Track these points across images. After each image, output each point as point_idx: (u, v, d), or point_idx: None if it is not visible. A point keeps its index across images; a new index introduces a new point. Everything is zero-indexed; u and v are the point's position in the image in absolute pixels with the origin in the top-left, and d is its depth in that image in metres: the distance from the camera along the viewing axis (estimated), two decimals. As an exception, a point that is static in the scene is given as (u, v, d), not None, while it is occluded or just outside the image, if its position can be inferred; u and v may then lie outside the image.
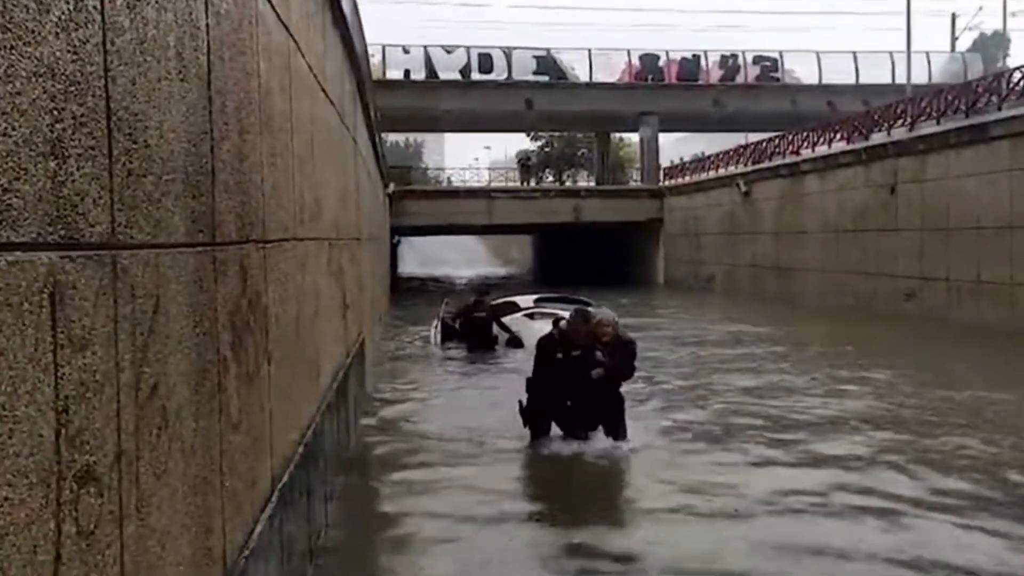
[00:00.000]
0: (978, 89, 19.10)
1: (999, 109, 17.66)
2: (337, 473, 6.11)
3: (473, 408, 9.46)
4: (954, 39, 42.96)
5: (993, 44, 46.99)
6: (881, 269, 20.43)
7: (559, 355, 7.37)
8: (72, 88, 1.60)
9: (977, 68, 38.31)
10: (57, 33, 1.54)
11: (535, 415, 7.44)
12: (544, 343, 7.58)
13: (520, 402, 7.51)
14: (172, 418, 2.18)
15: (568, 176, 49.53)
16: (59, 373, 1.52)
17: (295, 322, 4.32)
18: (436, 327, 15.70)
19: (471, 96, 36.27)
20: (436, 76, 36.27)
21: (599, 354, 7.25)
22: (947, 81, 31.13)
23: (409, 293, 30.80)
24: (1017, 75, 17.96)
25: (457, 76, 36.50)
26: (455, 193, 37.41)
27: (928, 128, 19.72)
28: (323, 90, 5.93)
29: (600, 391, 7.32)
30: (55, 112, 1.53)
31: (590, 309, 7.93)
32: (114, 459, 1.77)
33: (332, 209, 6.40)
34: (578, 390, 7.30)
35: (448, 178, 46.54)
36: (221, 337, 2.72)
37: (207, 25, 2.63)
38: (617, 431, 7.39)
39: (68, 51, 1.59)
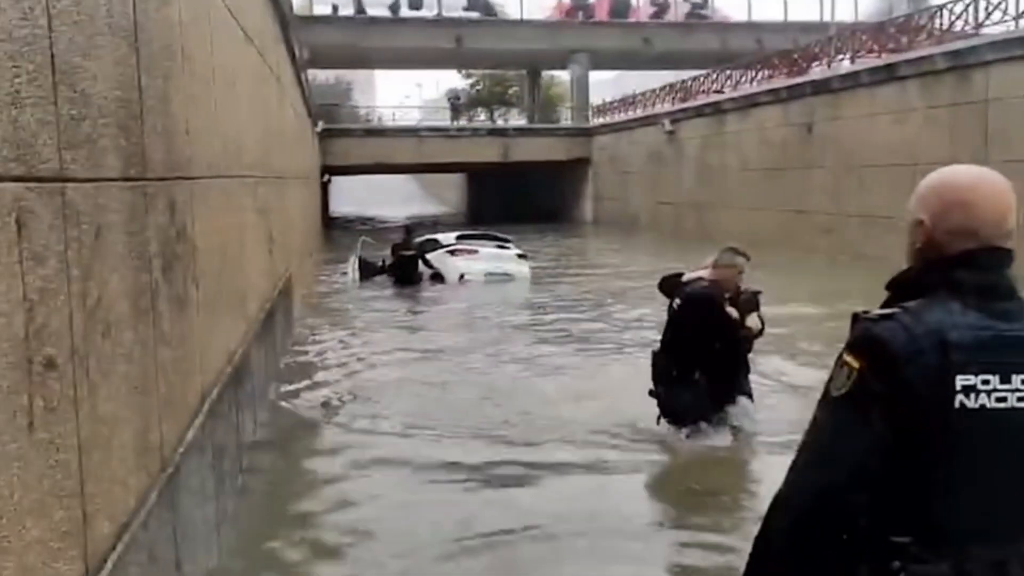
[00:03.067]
0: (890, 30, 19.85)
1: (908, 49, 18.45)
2: (264, 396, 6.52)
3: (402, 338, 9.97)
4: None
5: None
6: (798, 206, 21.30)
7: (727, 311, 5.74)
8: (25, 48, 1.96)
9: (902, 6, 39.23)
10: (12, 3, 1.90)
11: (690, 396, 5.82)
12: (709, 295, 5.68)
13: (654, 391, 5.97)
14: (113, 328, 2.57)
15: (499, 115, 49.56)
16: (25, 280, 1.91)
17: (221, 254, 4.69)
18: (354, 264, 16.11)
19: (401, 33, 35.93)
20: (364, 12, 35.80)
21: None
22: (872, 19, 31.95)
23: (341, 231, 30.92)
24: (925, 17, 18.74)
25: (386, 12, 36.09)
26: (384, 132, 37.26)
27: (843, 68, 20.47)
28: (242, 30, 6.18)
29: (739, 356, 5.98)
30: (13, 69, 1.89)
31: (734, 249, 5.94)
32: (69, 354, 2.17)
33: (255, 148, 6.70)
34: (724, 356, 5.83)
35: (379, 117, 46.15)
36: (153, 263, 3.10)
37: (132, -17, 2.95)
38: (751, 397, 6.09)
39: (20, 17, 1.94)
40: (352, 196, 54.95)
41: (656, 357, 5.95)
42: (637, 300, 13.20)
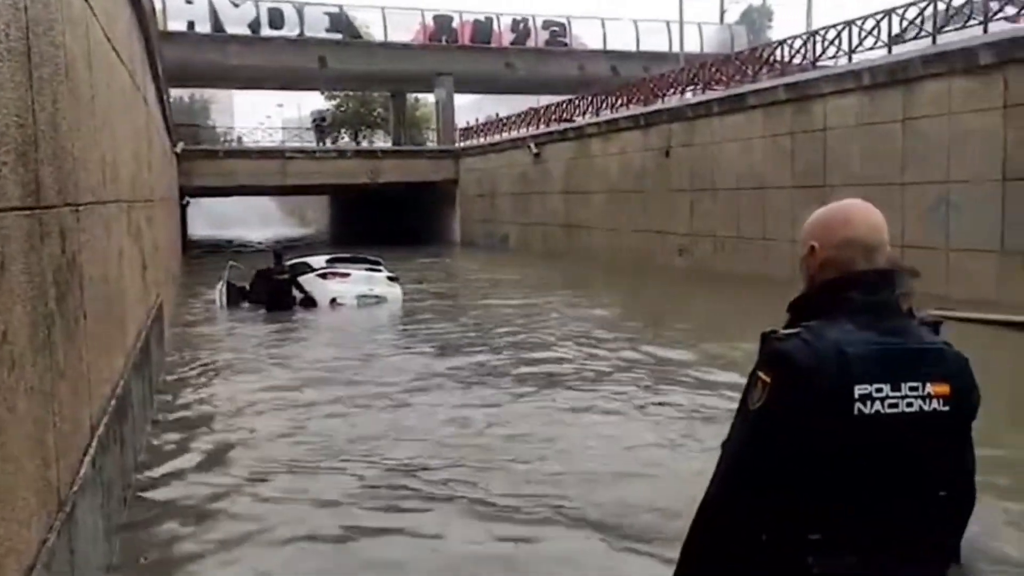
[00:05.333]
0: (737, 62, 21.05)
1: (753, 80, 19.62)
2: (144, 429, 6.28)
3: (279, 365, 9.74)
4: (723, 11, 46.37)
5: (758, 15, 51.41)
6: (658, 227, 22.16)
7: None
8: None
9: (743, 39, 41.64)
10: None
11: None
12: None
13: None
14: (17, 362, 2.49)
15: (364, 136, 49.20)
16: (-55, 315, 1.85)
17: (104, 282, 4.53)
18: (221, 289, 15.68)
19: (261, 52, 35.18)
20: (223, 29, 34.87)
21: None
22: (717, 50, 33.78)
23: (200, 256, 29.91)
24: (768, 50, 19.98)
25: (246, 30, 35.27)
26: (248, 153, 36.29)
27: (696, 97, 21.56)
28: (116, 52, 5.99)
29: None
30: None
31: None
32: (-19, 391, 2.10)
33: (129, 171, 6.48)
34: None
35: (239, 137, 44.93)
36: (48, 293, 3.00)
37: (25, 5, 2.86)
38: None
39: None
40: (210, 218, 53.24)
41: None
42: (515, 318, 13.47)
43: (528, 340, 11.49)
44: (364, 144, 45.37)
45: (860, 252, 1.78)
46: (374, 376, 9.23)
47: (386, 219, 39.05)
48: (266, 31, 35.50)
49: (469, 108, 52.33)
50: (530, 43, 39.59)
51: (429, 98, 44.07)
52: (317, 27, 36.32)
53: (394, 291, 15.78)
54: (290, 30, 35.83)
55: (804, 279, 1.87)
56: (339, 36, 36.62)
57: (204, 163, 31.62)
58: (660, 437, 6.68)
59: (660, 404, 7.72)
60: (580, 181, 26.36)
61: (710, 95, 20.81)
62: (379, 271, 16.07)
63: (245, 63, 35.14)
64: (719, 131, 19.83)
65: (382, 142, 46.14)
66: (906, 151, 14.86)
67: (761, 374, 1.72)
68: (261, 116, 62.53)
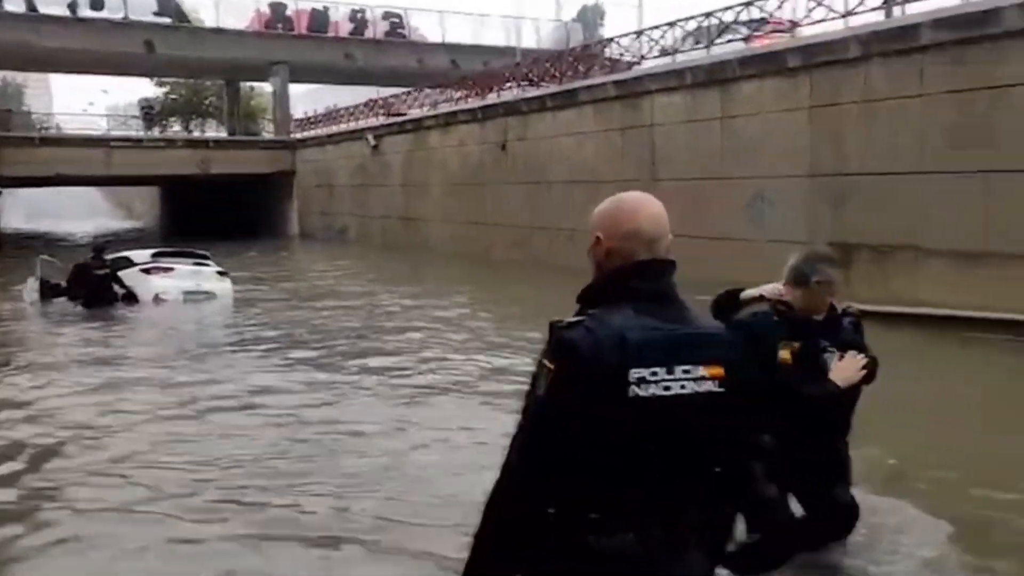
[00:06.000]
0: (570, 59, 21.69)
1: (585, 77, 20.29)
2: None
3: (96, 363, 9.33)
4: (559, 8, 47.63)
5: (592, 14, 53.24)
6: (497, 219, 22.54)
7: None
8: None
9: (578, 36, 42.81)
10: None
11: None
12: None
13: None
14: None
15: (196, 126, 47.32)
16: None
17: None
18: (33, 286, 14.77)
19: (81, 34, 33.08)
20: (35, 9, 32.60)
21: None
22: (554, 47, 34.60)
23: (15, 251, 27.91)
24: (598, 47, 20.71)
25: (65, 11, 33.12)
26: (68, 141, 34.15)
27: (531, 91, 22.05)
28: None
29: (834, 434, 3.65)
30: None
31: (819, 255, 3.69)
32: None
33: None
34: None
35: (57, 124, 42.18)
36: None
37: None
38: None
39: None
40: (28, 210, 49.83)
41: None
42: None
43: (364, 338, 11.48)
44: (196, 134, 43.66)
45: (643, 243, 1.85)
46: (200, 379, 8.80)
47: (221, 212, 37.76)
48: (86, 12, 33.47)
49: (308, 98, 51.28)
50: (368, 34, 39.16)
51: (266, 87, 42.81)
52: (143, 10, 34.51)
53: (224, 286, 15.31)
54: (113, 12, 33.87)
55: (592, 268, 1.94)
56: (167, 20, 35.03)
57: (18, 151, 29.63)
58: (475, 429, 6.79)
59: (488, 402, 7.60)
60: (419, 174, 26.41)
61: (544, 90, 21.33)
62: (207, 265, 15.56)
63: (64, 46, 32.96)
64: (553, 126, 20.36)
65: (215, 132, 44.51)
66: (725, 148, 15.72)
67: (546, 362, 1.77)
68: (83, 102, 59.06)
